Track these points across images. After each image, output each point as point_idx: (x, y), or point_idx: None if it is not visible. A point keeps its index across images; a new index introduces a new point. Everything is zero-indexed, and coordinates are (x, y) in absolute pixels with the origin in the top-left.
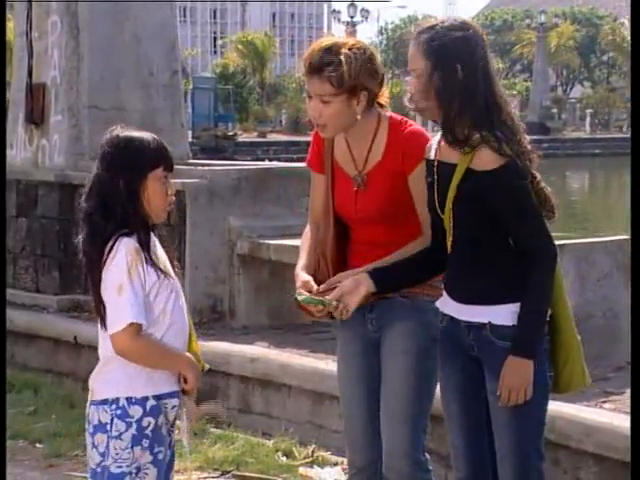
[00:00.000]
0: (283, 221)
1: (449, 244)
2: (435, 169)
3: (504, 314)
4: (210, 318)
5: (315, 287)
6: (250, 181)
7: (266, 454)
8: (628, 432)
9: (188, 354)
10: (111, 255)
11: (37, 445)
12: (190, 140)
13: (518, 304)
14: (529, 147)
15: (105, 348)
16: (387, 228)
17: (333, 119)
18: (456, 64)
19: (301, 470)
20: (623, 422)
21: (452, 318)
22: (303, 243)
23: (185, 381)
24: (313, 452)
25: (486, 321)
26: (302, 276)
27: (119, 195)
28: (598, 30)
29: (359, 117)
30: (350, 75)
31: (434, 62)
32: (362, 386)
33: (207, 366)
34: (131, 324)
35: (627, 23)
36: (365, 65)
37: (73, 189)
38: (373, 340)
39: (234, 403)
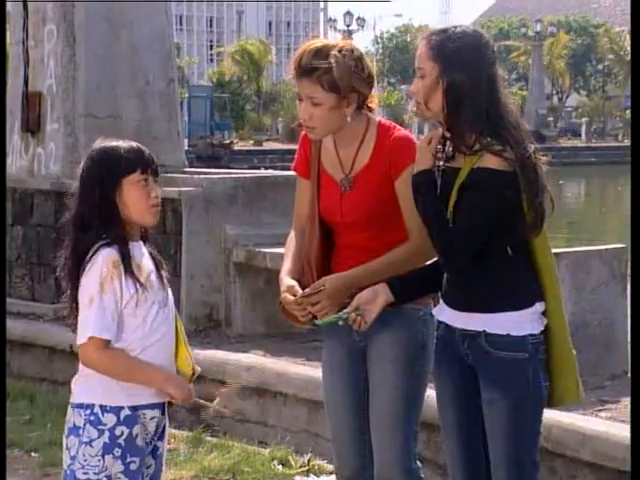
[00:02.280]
0: (279, 229)
1: None
2: (440, 174)
3: (499, 323)
4: (206, 326)
5: (300, 291)
6: (246, 189)
7: (262, 463)
8: (624, 441)
9: (160, 368)
10: (88, 265)
11: (32, 454)
12: (186, 148)
13: (514, 313)
14: (535, 153)
15: None
16: (372, 233)
17: (323, 121)
18: (463, 70)
19: (297, 479)
20: (619, 431)
21: (447, 326)
22: (288, 248)
23: (172, 397)
24: (309, 461)
25: (481, 329)
26: (286, 281)
27: (95, 206)
28: (593, 39)
29: (349, 119)
30: (340, 76)
31: (442, 65)
32: (349, 395)
33: (198, 369)
34: (92, 337)
35: (624, 31)
36: (355, 67)
37: (69, 197)
38: (359, 349)
39: (230, 411)
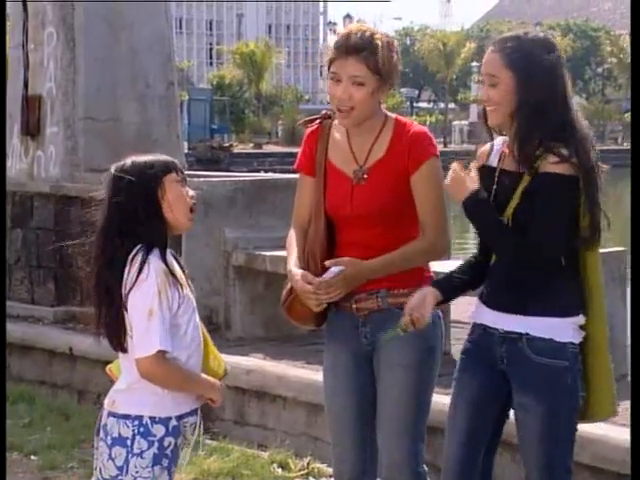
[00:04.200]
0: (279, 232)
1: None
2: (496, 177)
3: (543, 327)
4: (206, 329)
5: (315, 279)
6: (246, 192)
7: (261, 466)
8: (624, 444)
9: (205, 375)
10: (141, 277)
11: (32, 457)
12: (186, 151)
13: (559, 319)
14: (598, 163)
15: (130, 368)
16: (379, 230)
17: (362, 102)
18: (539, 81)
19: None
20: (619, 434)
21: (485, 329)
22: (289, 244)
23: (212, 401)
24: (309, 464)
25: (523, 331)
26: (297, 271)
27: (135, 215)
28: (593, 42)
29: (384, 106)
30: (384, 61)
31: (518, 76)
32: (353, 400)
33: (228, 368)
34: (159, 351)
35: (625, 35)
36: (395, 57)
37: (69, 200)
38: (366, 354)
39: (229, 415)
